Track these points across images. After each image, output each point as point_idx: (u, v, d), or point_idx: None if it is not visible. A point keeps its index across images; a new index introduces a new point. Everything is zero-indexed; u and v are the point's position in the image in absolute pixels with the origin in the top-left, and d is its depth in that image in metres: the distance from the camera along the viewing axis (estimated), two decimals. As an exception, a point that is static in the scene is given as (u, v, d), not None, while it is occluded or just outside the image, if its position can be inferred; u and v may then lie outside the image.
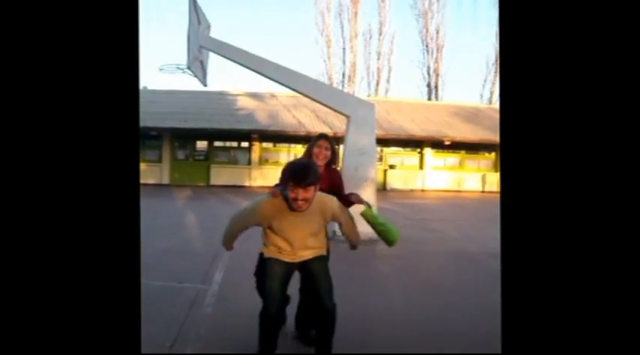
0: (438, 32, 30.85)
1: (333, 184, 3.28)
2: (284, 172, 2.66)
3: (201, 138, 19.67)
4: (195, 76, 8.63)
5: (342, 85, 30.33)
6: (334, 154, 3.37)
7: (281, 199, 2.67)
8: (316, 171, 2.64)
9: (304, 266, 2.80)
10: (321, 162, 3.25)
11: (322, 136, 3.41)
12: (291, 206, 2.61)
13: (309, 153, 3.35)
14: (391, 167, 20.36)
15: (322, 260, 2.82)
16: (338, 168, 3.79)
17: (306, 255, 2.78)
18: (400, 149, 20.82)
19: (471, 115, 22.39)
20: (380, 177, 19.15)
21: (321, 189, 2.77)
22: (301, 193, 2.55)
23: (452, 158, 21.16)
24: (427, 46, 31.00)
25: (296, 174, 2.57)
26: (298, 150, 18.90)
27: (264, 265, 2.83)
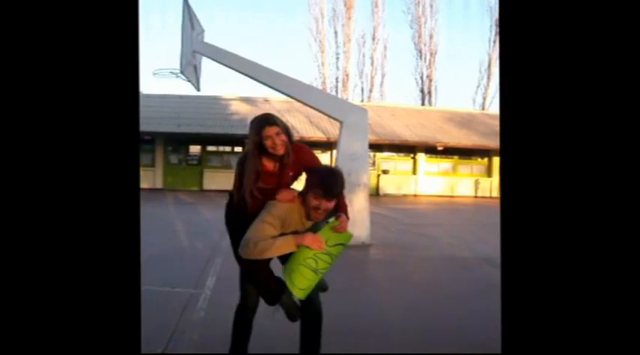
0: (431, 38, 31.00)
1: (302, 165, 2.69)
2: (310, 178, 2.51)
3: (195, 143, 19.64)
4: (189, 81, 8.64)
5: (336, 90, 30.38)
6: (290, 135, 2.63)
7: (299, 204, 2.53)
8: (343, 182, 2.50)
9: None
10: (281, 150, 2.57)
11: (265, 122, 2.58)
12: (309, 214, 2.50)
13: (256, 150, 2.58)
14: (384, 172, 20.39)
15: None
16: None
17: None
18: (393, 154, 20.86)
19: (464, 121, 22.49)
20: (373, 182, 19.16)
21: (292, 176, 2.66)
22: (324, 203, 2.45)
23: (445, 163, 21.22)
24: (420, 52, 31.14)
25: (326, 184, 2.43)
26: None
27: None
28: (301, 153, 2.70)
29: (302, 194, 2.53)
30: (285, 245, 2.43)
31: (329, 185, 2.44)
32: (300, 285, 2.49)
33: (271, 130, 2.54)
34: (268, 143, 2.54)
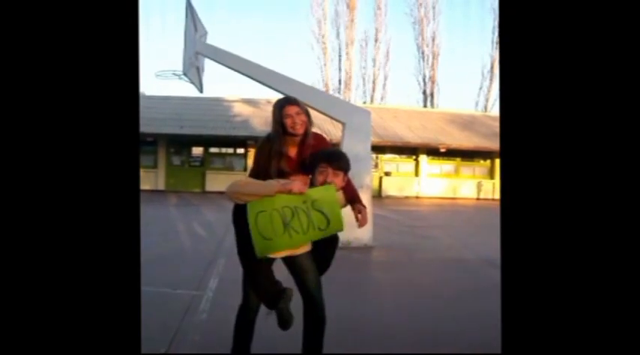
0: (433, 40, 30.97)
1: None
2: (315, 156, 2.57)
3: (197, 145, 19.67)
4: (192, 83, 8.67)
5: (338, 92, 30.35)
6: (309, 117, 2.71)
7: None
8: (348, 161, 2.58)
9: (292, 261, 2.63)
10: (301, 130, 2.64)
11: (286, 101, 2.71)
12: None
13: (279, 128, 2.64)
14: (386, 174, 20.38)
15: (308, 253, 2.66)
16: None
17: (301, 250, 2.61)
18: (396, 156, 20.86)
19: (466, 123, 22.47)
20: (375, 184, 19.15)
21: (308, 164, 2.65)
22: (330, 176, 2.49)
23: (447, 165, 21.20)
24: (423, 54, 31.12)
25: (329, 154, 2.55)
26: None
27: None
28: (320, 141, 2.77)
29: (312, 180, 2.56)
30: (267, 187, 2.42)
31: (332, 155, 2.55)
32: (263, 231, 2.39)
33: (292, 109, 2.64)
34: (288, 122, 2.62)
